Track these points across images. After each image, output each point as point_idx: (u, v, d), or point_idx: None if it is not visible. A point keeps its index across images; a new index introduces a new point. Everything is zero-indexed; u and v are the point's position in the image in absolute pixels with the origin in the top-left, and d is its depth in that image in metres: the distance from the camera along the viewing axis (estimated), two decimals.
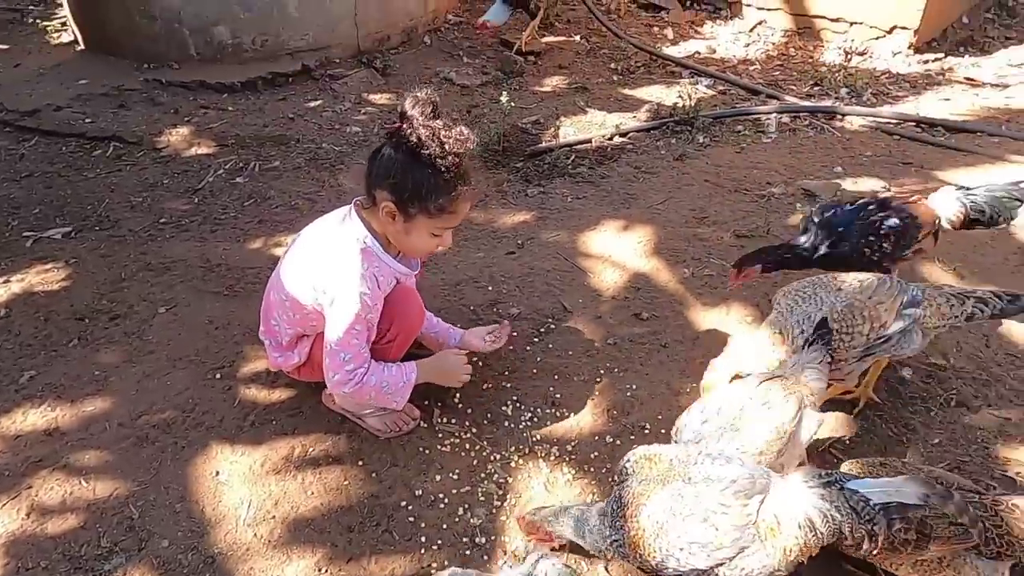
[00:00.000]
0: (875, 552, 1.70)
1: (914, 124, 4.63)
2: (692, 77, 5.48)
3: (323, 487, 2.37)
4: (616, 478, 2.00)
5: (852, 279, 2.38)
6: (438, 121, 2.13)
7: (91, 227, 3.75)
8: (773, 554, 1.73)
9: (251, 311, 2.97)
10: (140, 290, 3.24)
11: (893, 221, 2.65)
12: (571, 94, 5.22)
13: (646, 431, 2.55)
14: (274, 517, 2.28)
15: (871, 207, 2.70)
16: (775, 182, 4.00)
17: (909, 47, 5.78)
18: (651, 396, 2.68)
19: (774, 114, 4.78)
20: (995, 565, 1.78)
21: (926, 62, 5.68)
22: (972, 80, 5.37)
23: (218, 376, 2.78)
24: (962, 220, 2.70)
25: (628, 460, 1.99)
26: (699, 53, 5.95)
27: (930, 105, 4.96)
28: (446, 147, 2.09)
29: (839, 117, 4.76)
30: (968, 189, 2.74)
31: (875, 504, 1.69)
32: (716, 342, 2.87)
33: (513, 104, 4.76)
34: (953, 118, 4.69)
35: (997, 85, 5.25)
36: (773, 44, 6.12)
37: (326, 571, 2.14)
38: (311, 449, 2.50)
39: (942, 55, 5.79)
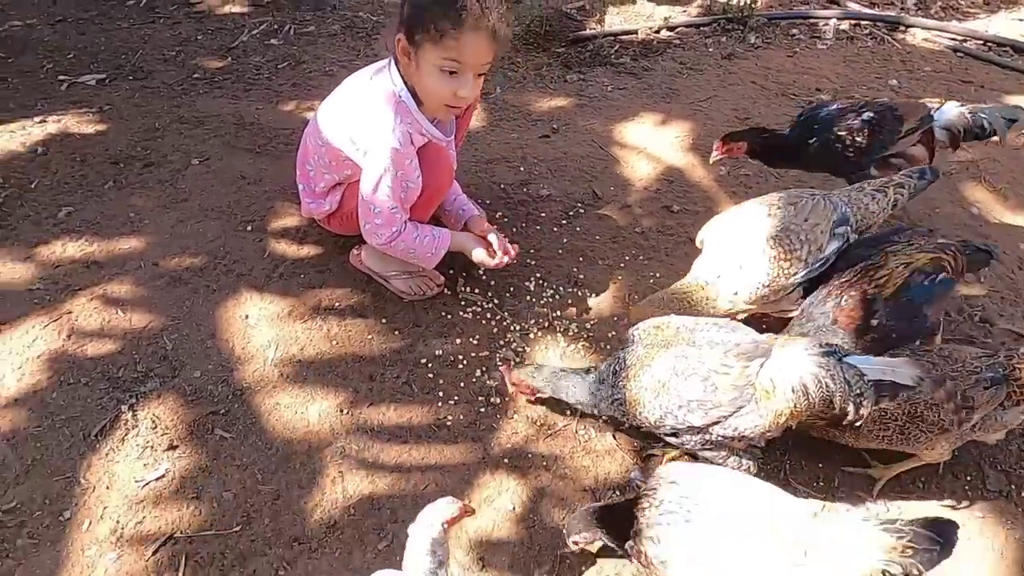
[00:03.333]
0: (857, 424, 1.78)
1: (982, 42, 4.37)
2: None
3: (347, 338, 2.46)
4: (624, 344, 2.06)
5: (785, 203, 2.30)
6: None
7: (124, 76, 3.72)
8: (766, 415, 1.80)
9: (283, 170, 2.98)
10: (174, 141, 3.25)
11: (868, 114, 2.59)
12: None
13: None
14: (299, 360, 2.38)
15: (858, 107, 2.64)
16: (825, 89, 3.84)
17: None
18: (672, 281, 2.69)
19: (833, 19, 4.52)
20: (1017, 411, 1.96)
21: None
22: None
23: (249, 228, 2.82)
24: (959, 131, 2.63)
25: (638, 328, 2.04)
26: None
27: (1002, 24, 4.64)
28: None
29: (902, 28, 4.49)
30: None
31: (868, 380, 1.72)
32: None
33: None
34: None
35: None
36: None
37: (347, 413, 2.26)
38: (337, 303, 2.57)
39: None
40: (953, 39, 4.39)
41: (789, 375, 1.77)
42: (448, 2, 2.03)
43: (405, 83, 2.23)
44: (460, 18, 2.04)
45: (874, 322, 2.03)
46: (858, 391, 1.72)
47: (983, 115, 2.65)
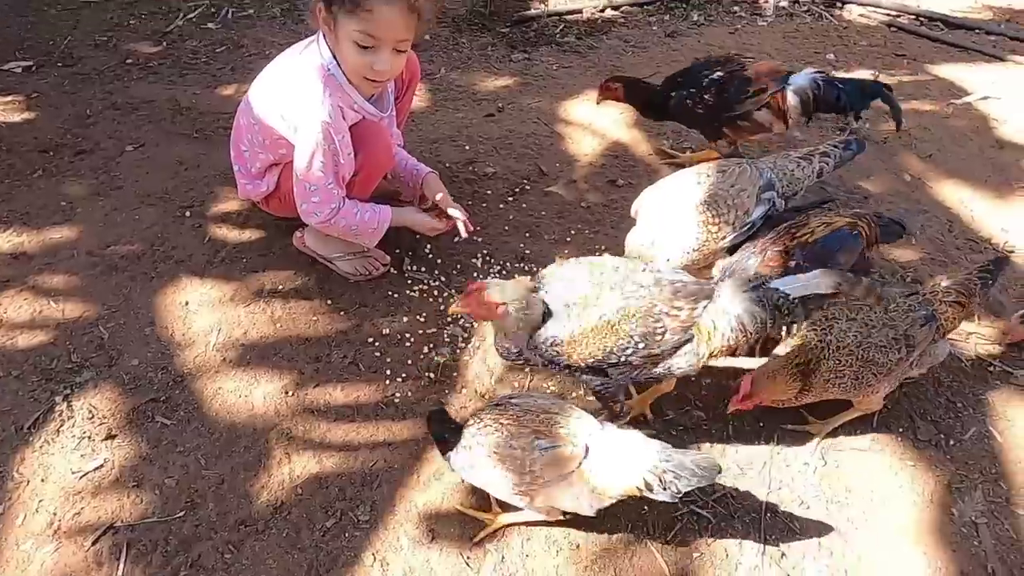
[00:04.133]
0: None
1: (913, 17, 4.51)
2: None
3: (292, 321, 2.43)
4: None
5: (714, 171, 2.37)
6: None
7: (53, 63, 3.58)
8: (702, 354, 1.87)
9: (222, 155, 2.91)
10: (107, 128, 3.15)
11: (717, 74, 2.70)
12: None
13: None
14: (243, 344, 2.34)
15: (714, 66, 2.76)
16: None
17: None
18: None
19: None
20: (944, 345, 2.13)
21: None
22: None
23: (188, 214, 2.76)
24: (809, 98, 2.67)
25: (568, 265, 1.98)
26: None
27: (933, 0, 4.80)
28: None
29: (839, 4, 4.60)
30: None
31: (794, 299, 1.83)
32: None
33: None
34: (954, 14, 4.57)
35: None
36: None
37: (293, 394, 2.23)
38: (281, 286, 2.53)
39: None
40: (887, 14, 4.52)
41: (728, 315, 1.83)
42: None
43: (334, 56, 2.19)
44: None
45: (792, 264, 2.11)
46: (787, 311, 1.83)
47: (839, 86, 2.68)
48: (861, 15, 4.54)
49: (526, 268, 2.67)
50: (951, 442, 2.16)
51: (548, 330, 1.86)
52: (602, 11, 4.38)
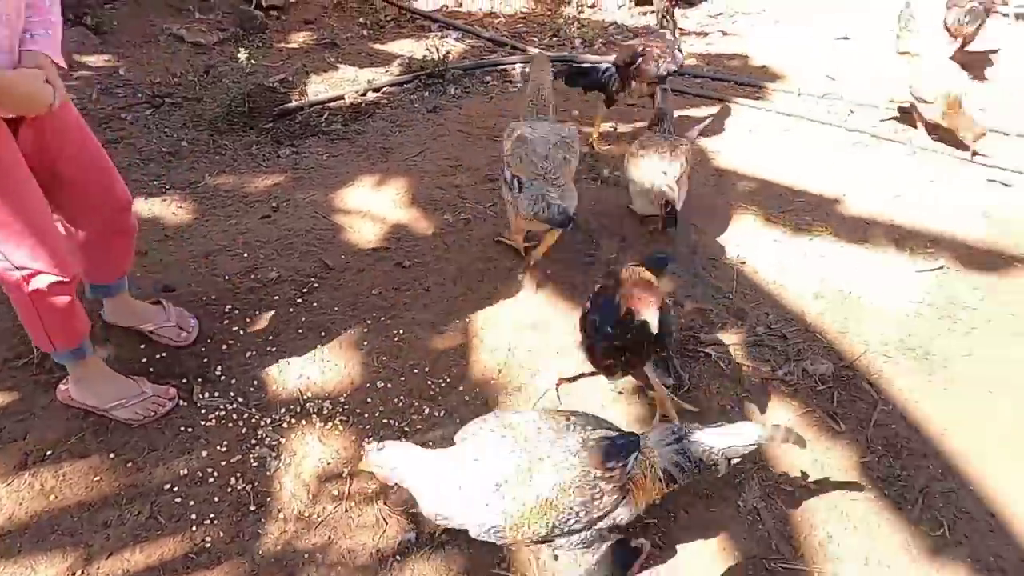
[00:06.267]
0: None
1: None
2: (441, 31, 5.58)
3: (68, 488, 2.17)
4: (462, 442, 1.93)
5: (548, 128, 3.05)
6: None
7: None
8: (641, 503, 1.90)
9: None
10: None
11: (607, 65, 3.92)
12: (319, 50, 5.06)
13: (415, 371, 2.67)
14: (9, 532, 2.05)
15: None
16: None
17: (631, 0, 6.40)
18: (418, 337, 2.80)
19: (519, 64, 5.07)
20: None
21: (645, 14, 6.34)
22: (681, 30, 6.12)
23: None
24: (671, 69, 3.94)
25: (482, 427, 1.92)
26: (447, 7, 6.06)
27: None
28: None
29: (555, 64, 5.15)
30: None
31: (718, 450, 1.89)
32: (475, 278, 3.07)
33: (255, 62, 4.51)
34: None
35: (700, 33, 6.05)
36: None
37: (82, 573, 1.99)
38: (49, 451, 2.26)
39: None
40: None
41: (656, 469, 1.89)
42: None
43: None
44: None
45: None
46: (712, 462, 1.90)
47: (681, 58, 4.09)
48: None
49: (327, 368, 2.64)
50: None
51: (487, 519, 1.80)
52: (363, 95, 4.52)
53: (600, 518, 1.83)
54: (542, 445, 1.82)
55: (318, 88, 4.55)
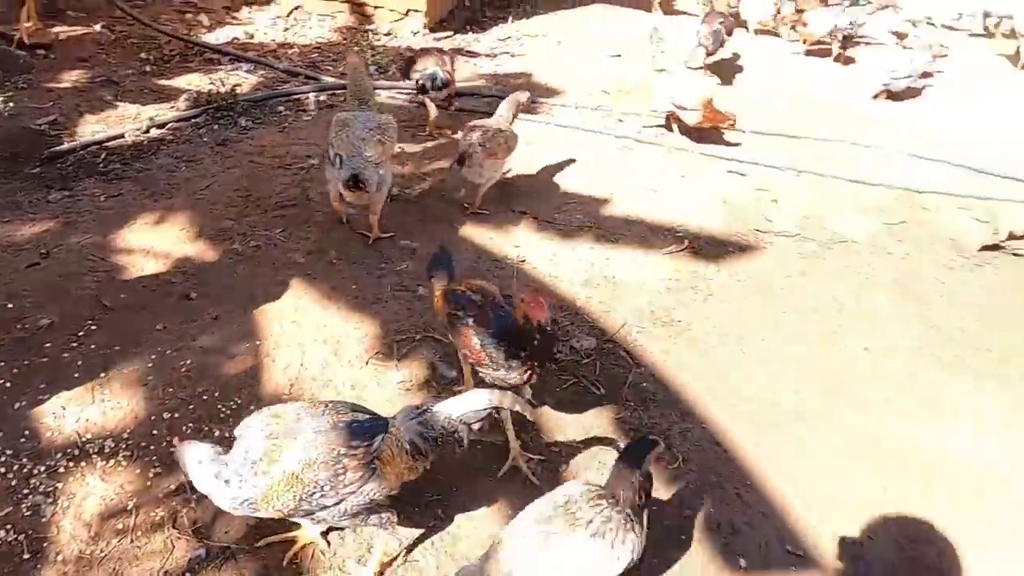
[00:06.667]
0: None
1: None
2: (232, 63, 5.57)
3: None
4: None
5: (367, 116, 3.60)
6: None
7: None
8: (389, 477, 2.06)
9: None
10: None
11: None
12: (96, 88, 4.87)
13: (204, 397, 2.71)
14: None
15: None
16: (314, 155, 4.40)
17: (424, 27, 6.75)
18: (207, 365, 2.84)
19: (312, 94, 5.18)
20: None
21: (438, 39, 6.71)
22: (472, 52, 6.56)
23: None
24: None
25: (255, 419, 2.06)
26: (238, 39, 6.05)
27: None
28: None
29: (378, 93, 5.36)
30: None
31: (456, 417, 2.14)
32: (265, 302, 3.16)
33: (13, 104, 4.26)
34: (459, 84, 5.70)
35: (489, 55, 6.51)
36: (310, 28, 6.53)
37: None
38: None
39: (451, 33, 6.89)
40: (407, 91, 5.43)
41: (402, 442, 2.07)
42: None
43: None
44: None
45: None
46: (452, 429, 2.13)
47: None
48: (389, 96, 5.37)
49: (108, 408, 2.61)
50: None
51: (243, 491, 1.93)
52: (146, 132, 4.42)
53: (351, 492, 2.00)
54: (297, 428, 2.00)
55: (95, 128, 4.38)
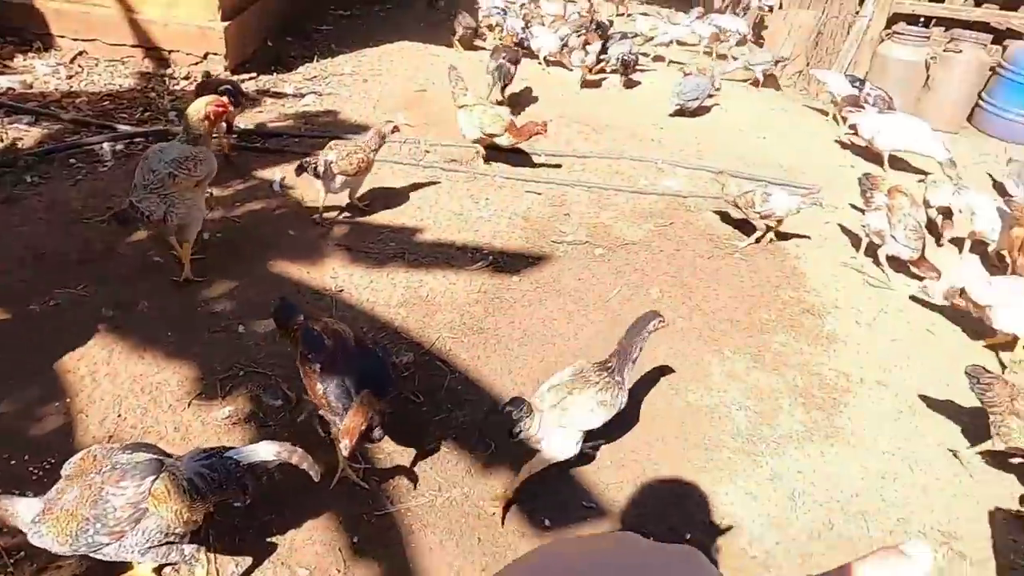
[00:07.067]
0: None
1: (236, 136, 5.53)
2: (8, 116, 5.22)
3: None
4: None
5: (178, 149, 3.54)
6: None
7: None
8: (166, 515, 2.16)
9: None
10: None
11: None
12: None
13: (13, 463, 2.65)
14: None
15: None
16: (115, 206, 4.28)
17: (225, 69, 6.71)
18: (11, 431, 2.76)
19: (107, 144, 5.01)
20: None
21: (243, 80, 6.70)
22: (279, 93, 6.64)
23: None
24: None
25: (70, 463, 2.21)
26: (13, 89, 5.66)
27: (248, 117, 5.93)
28: None
29: (151, 138, 5.22)
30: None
31: (244, 464, 2.28)
32: (78, 354, 3.11)
33: None
34: (269, 126, 5.79)
35: (296, 95, 6.63)
36: (98, 75, 6.26)
37: None
38: None
39: (255, 73, 6.90)
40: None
41: (180, 479, 2.18)
42: None
43: None
44: None
45: None
46: (238, 475, 2.26)
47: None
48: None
49: None
50: None
51: (37, 527, 2.08)
52: None
53: (120, 532, 2.11)
54: (88, 469, 2.17)
55: None
